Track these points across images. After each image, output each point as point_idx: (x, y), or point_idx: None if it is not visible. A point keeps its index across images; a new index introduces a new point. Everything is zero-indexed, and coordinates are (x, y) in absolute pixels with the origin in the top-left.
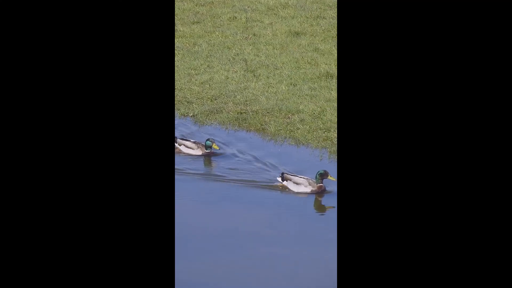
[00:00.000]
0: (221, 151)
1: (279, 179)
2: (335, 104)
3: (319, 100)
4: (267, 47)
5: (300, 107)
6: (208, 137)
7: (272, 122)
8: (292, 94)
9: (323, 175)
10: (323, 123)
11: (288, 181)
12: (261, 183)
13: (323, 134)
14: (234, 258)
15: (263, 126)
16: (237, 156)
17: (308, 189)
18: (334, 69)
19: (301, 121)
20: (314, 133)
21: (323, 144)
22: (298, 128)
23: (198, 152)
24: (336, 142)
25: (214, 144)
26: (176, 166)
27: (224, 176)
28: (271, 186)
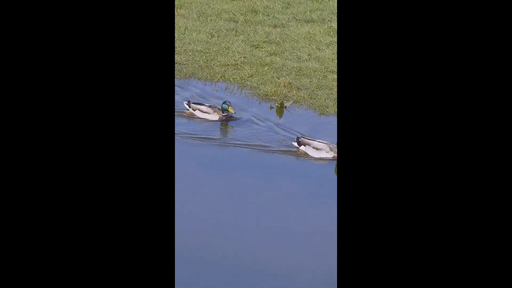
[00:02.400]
0: (237, 115)
1: (295, 144)
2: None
3: None
4: None
5: None
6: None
7: None
8: None
9: None
10: None
11: (307, 146)
12: (276, 149)
13: None
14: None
15: None
16: (251, 121)
17: (330, 155)
18: None
19: None
20: None
21: None
22: None
23: (215, 116)
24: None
25: (230, 107)
26: (190, 131)
27: (238, 141)
28: (287, 152)
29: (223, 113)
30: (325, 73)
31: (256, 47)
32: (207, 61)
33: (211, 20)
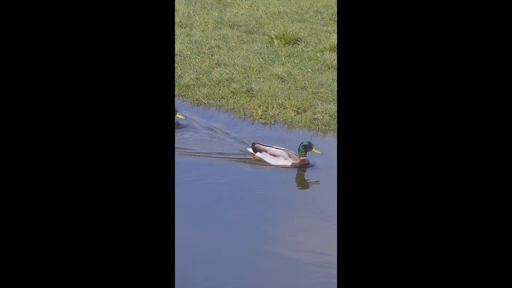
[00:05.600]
0: (185, 121)
1: (250, 150)
2: None
3: None
4: None
5: None
6: None
7: None
8: None
9: (307, 147)
10: None
11: (263, 152)
12: (229, 156)
13: None
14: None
15: None
16: (196, 128)
17: (289, 162)
18: None
19: None
20: None
21: None
22: None
23: None
24: None
25: (178, 113)
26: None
27: (188, 149)
28: (241, 159)
29: None
30: None
31: None
32: None
33: None
